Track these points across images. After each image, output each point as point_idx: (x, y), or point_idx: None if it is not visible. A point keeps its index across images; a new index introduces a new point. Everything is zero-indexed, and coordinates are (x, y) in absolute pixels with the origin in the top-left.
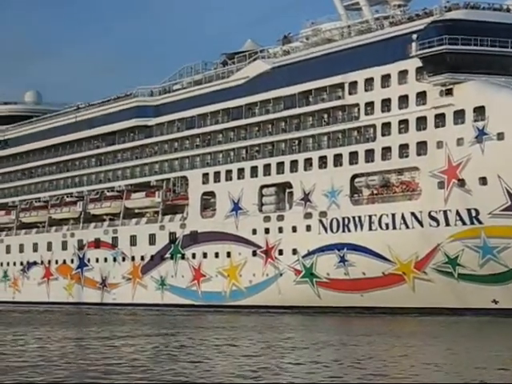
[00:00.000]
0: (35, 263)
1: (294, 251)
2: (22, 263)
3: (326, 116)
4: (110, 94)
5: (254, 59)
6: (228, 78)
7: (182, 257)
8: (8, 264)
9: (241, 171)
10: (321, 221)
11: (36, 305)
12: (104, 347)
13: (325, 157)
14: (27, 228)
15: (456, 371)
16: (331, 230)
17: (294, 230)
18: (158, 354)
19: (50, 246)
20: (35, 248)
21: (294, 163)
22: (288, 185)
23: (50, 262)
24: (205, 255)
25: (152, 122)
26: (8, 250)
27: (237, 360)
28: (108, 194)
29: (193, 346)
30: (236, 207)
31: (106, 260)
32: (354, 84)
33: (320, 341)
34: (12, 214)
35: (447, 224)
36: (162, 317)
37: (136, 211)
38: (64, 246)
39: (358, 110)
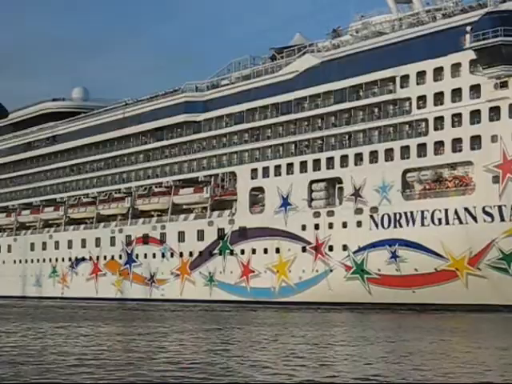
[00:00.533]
0: (83, 259)
1: (345, 247)
2: (70, 259)
3: (376, 110)
4: (158, 90)
5: (303, 53)
6: (277, 73)
7: (231, 253)
8: (56, 260)
9: (290, 166)
10: (372, 216)
11: (84, 301)
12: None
13: (376, 151)
14: (75, 224)
15: (506, 370)
16: (382, 226)
17: (345, 225)
18: (209, 350)
19: (98, 242)
20: (83, 244)
21: (344, 158)
22: (338, 180)
23: (98, 257)
24: (254, 251)
25: (200, 117)
26: (57, 245)
27: (284, 354)
28: (156, 189)
29: (240, 341)
30: (285, 203)
31: (154, 256)
32: (405, 77)
33: (368, 337)
34: (60, 209)
35: (502, 219)
36: (211, 313)
37: (184, 207)
38: (112, 242)
39: (410, 103)
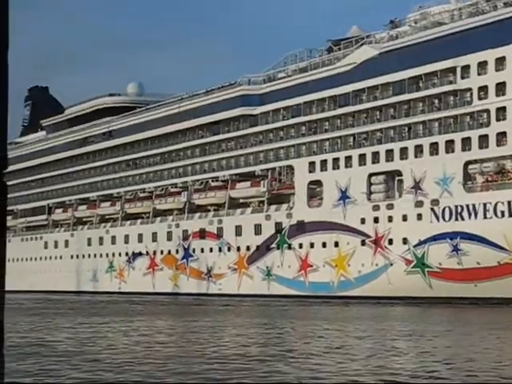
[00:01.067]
0: (140, 254)
1: (405, 240)
2: (127, 254)
3: (436, 101)
4: (214, 84)
5: (361, 45)
6: (334, 65)
7: (289, 247)
8: (113, 255)
9: (348, 159)
10: (432, 209)
11: (141, 295)
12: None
13: (436, 143)
14: (132, 219)
15: None
16: (443, 219)
17: (405, 218)
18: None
19: (154, 237)
20: (140, 239)
21: (403, 150)
22: (398, 173)
23: (155, 252)
24: (312, 245)
25: (257, 110)
26: (113, 240)
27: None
28: (212, 184)
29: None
30: (344, 196)
31: (211, 250)
32: (466, 68)
33: (428, 331)
34: (117, 204)
35: None
36: (269, 307)
37: (241, 201)
38: (169, 237)
39: (471, 94)
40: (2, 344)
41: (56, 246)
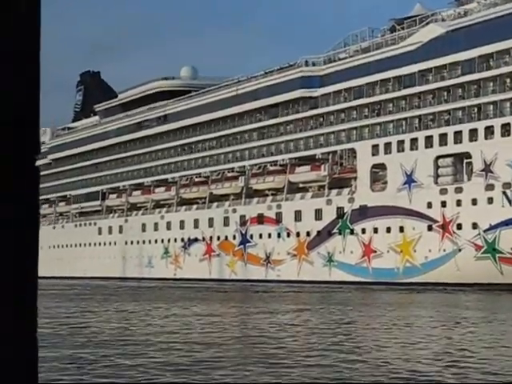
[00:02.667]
0: (196, 240)
1: (474, 225)
2: (182, 240)
3: (508, 81)
4: (273, 66)
5: (427, 23)
6: (398, 44)
7: (351, 232)
8: (169, 241)
9: (414, 141)
10: (504, 193)
11: (197, 282)
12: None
13: (508, 124)
14: (187, 204)
15: None
16: None
17: (474, 202)
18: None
19: (211, 222)
20: (196, 224)
21: (473, 132)
22: (466, 155)
23: (211, 238)
24: (375, 230)
25: (317, 92)
26: (168, 226)
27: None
28: (271, 168)
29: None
30: (409, 180)
31: (269, 236)
32: None
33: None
34: (172, 190)
35: None
36: (331, 294)
37: (300, 185)
38: (226, 222)
39: None
40: (35, 329)
41: (110, 231)
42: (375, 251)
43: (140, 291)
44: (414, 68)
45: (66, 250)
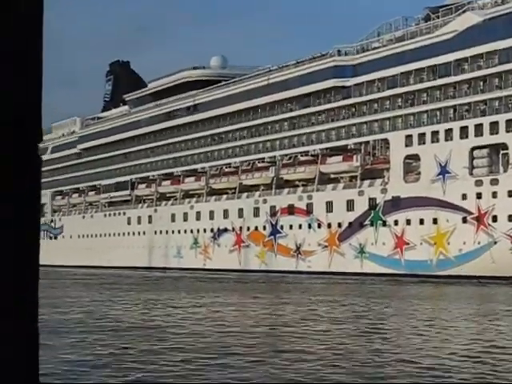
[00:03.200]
0: (226, 230)
1: (510, 217)
2: (212, 230)
3: None
4: (303, 56)
5: (463, 12)
6: (434, 33)
7: (383, 223)
8: (198, 231)
9: (449, 132)
10: None
11: (227, 272)
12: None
13: None
14: (217, 194)
15: None
16: None
17: (510, 194)
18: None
19: (241, 213)
20: (226, 215)
21: (509, 122)
22: (503, 146)
23: (241, 228)
24: (408, 222)
25: (350, 82)
26: (198, 216)
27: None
28: (302, 158)
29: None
30: (443, 171)
31: (300, 227)
32: None
33: None
34: (202, 180)
35: None
36: (364, 286)
37: (331, 176)
38: (256, 213)
39: None
40: (36, 330)
41: (139, 221)
42: (408, 243)
43: (172, 281)
44: (449, 57)
45: (95, 239)
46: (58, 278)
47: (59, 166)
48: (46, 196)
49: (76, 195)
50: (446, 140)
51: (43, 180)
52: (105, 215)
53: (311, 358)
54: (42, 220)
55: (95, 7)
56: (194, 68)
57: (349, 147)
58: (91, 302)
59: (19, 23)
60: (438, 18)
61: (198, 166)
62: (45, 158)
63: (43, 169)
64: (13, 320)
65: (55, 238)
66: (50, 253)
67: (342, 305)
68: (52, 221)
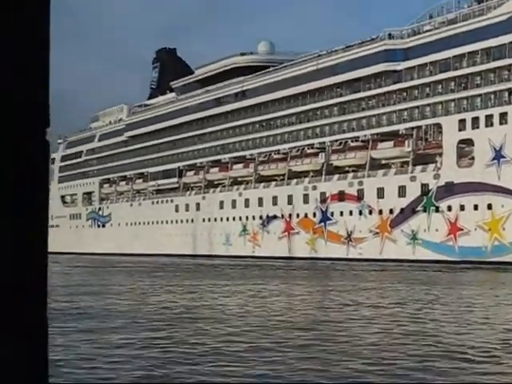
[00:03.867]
0: (275, 217)
1: None
2: (261, 217)
3: None
4: (352, 40)
5: None
6: (487, 15)
7: (436, 209)
8: (247, 218)
9: (503, 116)
10: None
11: (276, 259)
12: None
13: None
14: (266, 181)
15: None
16: None
17: None
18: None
19: (290, 200)
20: (275, 201)
21: None
22: None
23: (290, 215)
24: (462, 207)
25: (401, 66)
26: (247, 203)
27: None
28: (352, 144)
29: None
30: (498, 155)
31: (350, 213)
32: None
33: None
34: (250, 166)
35: None
36: (415, 272)
37: (382, 162)
38: (305, 199)
39: None
40: (45, 308)
41: (187, 209)
42: (462, 229)
43: (222, 269)
44: (504, 39)
45: (143, 227)
46: (110, 266)
47: (107, 153)
48: (93, 184)
49: (123, 183)
50: (501, 124)
51: (91, 168)
52: (152, 203)
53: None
54: (90, 208)
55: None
56: (242, 54)
57: (400, 132)
58: (167, 292)
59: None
60: None
61: (247, 153)
62: (92, 146)
63: (91, 157)
64: (19, 307)
65: (103, 226)
66: (98, 241)
67: (398, 290)
68: (100, 209)
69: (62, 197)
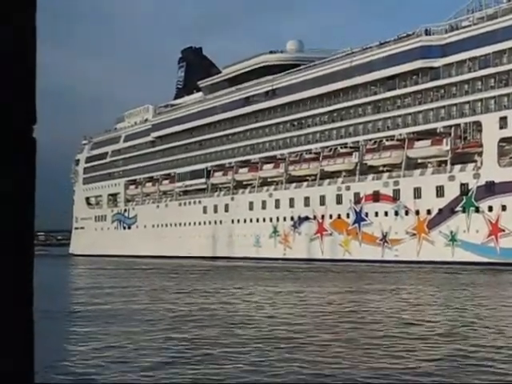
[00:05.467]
0: (307, 218)
1: None
2: (292, 218)
3: None
4: (386, 37)
5: None
6: None
7: (476, 210)
8: (278, 219)
9: None
10: None
11: (308, 261)
12: None
13: None
14: (297, 181)
15: None
16: None
17: None
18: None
19: (322, 200)
20: (306, 202)
21: None
22: None
23: (323, 216)
24: (503, 208)
25: (438, 62)
26: (277, 204)
27: None
28: (387, 143)
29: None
30: None
31: (386, 214)
32: None
33: None
34: (281, 166)
35: None
36: (456, 275)
37: (419, 161)
38: (338, 200)
39: None
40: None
41: (215, 210)
42: (503, 230)
43: (255, 271)
44: None
45: (170, 229)
46: (137, 268)
47: (132, 154)
48: (119, 186)
49: (149, 184)
50: None
51: (117, 169)
52: (179, 204)
53: None
54: (116, 210)
55: None
56: (271, 52)
57: (438, 131)
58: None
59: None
60: None
61: (277, 153)
62: (118, 147)
63: (116, 158)
64: (4, 307)
65: (129, 227)
66: (123, 243)
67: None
68: (125, 210)
69: (87, 198)
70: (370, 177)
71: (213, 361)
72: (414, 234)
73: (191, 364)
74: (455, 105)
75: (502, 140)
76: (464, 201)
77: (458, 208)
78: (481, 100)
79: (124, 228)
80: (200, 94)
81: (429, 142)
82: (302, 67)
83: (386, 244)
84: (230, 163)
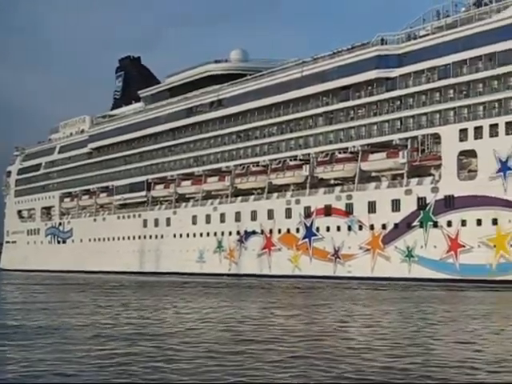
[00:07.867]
0: (254, 233)
1: None
2: (238, 233)
3: None
4: (343, 45)
5: None
6: (489, 19)
7: (435, 225)
8: (222, 234)
9: (509, 125)
10: None
11: (255, 277)
12: None
13: None
14: (243, 195)
15: None
16: None
17: None
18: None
19: (270, 214)
20: (253, 216)
21: None
22: None
23: (271, 231)
24: (463, 223)
25: (395, 72)
26: (222, 218)
27: None
28: (339, 155)
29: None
30: (504, 167)
31: (338, 229)
32: None
33: None
34: (226, 179)
35: None
36: (412, 292)
37: (372, 174)
38: (288, 214)
39: None
40: None
41: (156, 224)
42: (463, 246)
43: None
44: (509, 44)
45: (108, 243)
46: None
47: (68, 166)
48: (53, 198)
49: (86, 197)
50: (507, 134)
51: (51, 182)
52: (118, 217)
53: None
54: (50, 223)
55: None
56: (216, 62)
57: (394, 143)
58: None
59: None
60: (491, 2)
61: (223, 165)
62: (52, 158)
63: (51, 169)
64: None
65: (64, 242)
66: (58, 257)
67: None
68: (60, 224)
69: (19, 211)
70: (322, 190)
71: None
72: (368, 250)
73: None
74: (412, 116)
75: (462, 153)
76: (421, 215)
77: (415, 223)
78: (439, 111)
79: (59, 242)
80: (140, 104)
81: (384, 154)
82: (248, 77)
83: (338, 260)
84: (172, 176)
